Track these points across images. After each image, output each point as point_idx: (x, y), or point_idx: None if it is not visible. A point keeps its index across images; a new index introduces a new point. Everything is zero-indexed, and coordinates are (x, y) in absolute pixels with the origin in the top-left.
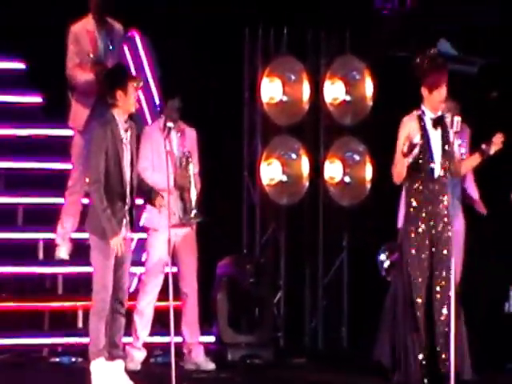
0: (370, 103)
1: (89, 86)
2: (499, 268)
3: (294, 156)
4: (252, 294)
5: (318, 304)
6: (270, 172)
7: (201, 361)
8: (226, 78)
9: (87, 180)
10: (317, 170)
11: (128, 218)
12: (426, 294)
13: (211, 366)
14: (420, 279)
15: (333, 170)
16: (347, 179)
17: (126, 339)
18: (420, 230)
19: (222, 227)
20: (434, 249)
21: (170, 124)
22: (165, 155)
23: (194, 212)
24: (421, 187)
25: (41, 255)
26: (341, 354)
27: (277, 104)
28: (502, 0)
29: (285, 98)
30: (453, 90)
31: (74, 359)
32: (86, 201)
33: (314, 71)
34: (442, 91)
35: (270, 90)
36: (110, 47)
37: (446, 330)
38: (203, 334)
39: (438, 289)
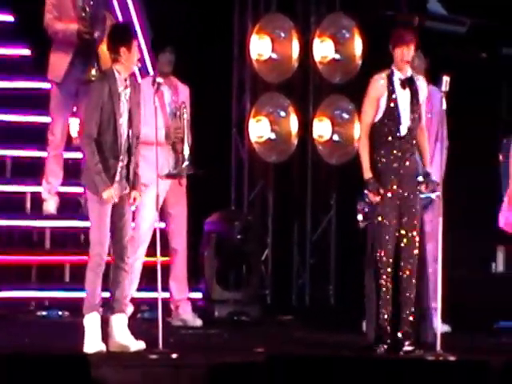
0: (359, 62)
1: (66, 37)
2: (487, 228)
3: (282, 114)
4: (240, 251)
5: (305, 262)
6: (259, 129)
7: (188, 317)
8: (215, 35)
9: (74, 134)
10: (305, 128)
11: (124, 174)
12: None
13: (198, 322)
14: (387, 236)
15: (321, 129)
16: (336, 137)
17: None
18: (388, 193)
19: (209, 184)
20: (402, 210)
21: (159, 79)
22: (154, 110)
23: (185, 163)
24: (387, 146)
25: (28, 208)
26: (328, 311)
27: (266, 61)
28: None
29: (274, 56)
30: (442, 50)
31: (61, 313)
32: (68, 155)
33: (304, 29)
34: (404, 50)
35: (260, 47)
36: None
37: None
38: (190, 290)
39: (403, 245)
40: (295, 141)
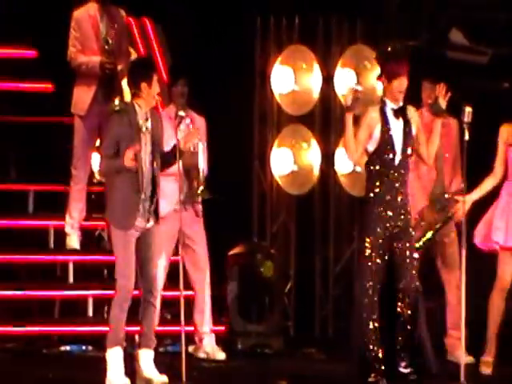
0: (381, 93)
1: (89, 70)
2: None
3: (305, 145)
4: (262, 283)
5: (328, 294)
6: (281, 161)
7: (212, 350)
8: (237, 67)
9: (96, 168)
10: (328, 159)
11: (147, 207)
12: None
13: (222, 355)
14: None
15: (344, 160)
16: (358, 169)
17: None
18: (379, 228)
19: (232, 216)
20: (394, 244)
21: (181, 113)
22: (177, 143)
23: (200, 188)
24: (381, 177)
25: (51, 243)
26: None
27: (288, 93)
28: None
29: (296, 88)
30: (464, 80)
31: (84, 348)
32: (91, 188)
33: (326, 61)
34: (402, 81)
35: (282, 78)
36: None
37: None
38: (214, 323)
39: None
40: (317, 173)
